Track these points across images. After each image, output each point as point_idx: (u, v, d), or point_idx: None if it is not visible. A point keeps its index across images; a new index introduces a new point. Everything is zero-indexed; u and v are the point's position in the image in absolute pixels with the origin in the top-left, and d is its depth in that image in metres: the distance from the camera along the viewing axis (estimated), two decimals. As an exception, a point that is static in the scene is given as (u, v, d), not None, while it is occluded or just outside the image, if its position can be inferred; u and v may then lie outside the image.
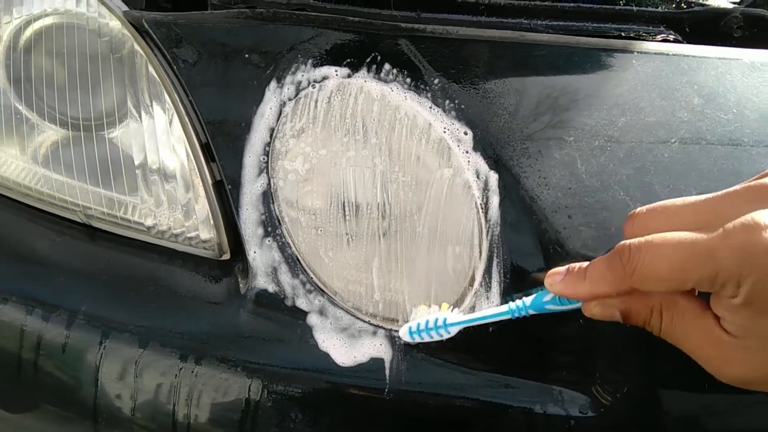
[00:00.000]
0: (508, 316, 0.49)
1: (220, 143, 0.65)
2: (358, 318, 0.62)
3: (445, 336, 0.53)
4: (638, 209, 0.42)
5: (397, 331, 0.61)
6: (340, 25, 0.65)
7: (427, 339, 0.54)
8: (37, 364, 0.65)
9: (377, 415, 0.60)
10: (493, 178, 0.60)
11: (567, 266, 0.44)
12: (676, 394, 0.60)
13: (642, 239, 0.37)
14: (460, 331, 0.54)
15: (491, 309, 0.50)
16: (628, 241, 0.38)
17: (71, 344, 0.64)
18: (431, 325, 0.53)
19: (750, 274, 0.33)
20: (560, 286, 0.43)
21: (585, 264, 0.43)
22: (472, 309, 0.59)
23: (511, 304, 0.49)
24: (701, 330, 0.37)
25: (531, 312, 0.48)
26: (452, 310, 0.54)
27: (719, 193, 0.38)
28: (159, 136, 0.66)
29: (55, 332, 0.64)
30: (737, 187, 0.37)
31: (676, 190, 0.58)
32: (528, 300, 0.48)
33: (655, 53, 0.64)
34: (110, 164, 0.68)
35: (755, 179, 0.37)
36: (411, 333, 0.54)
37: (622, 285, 0.39)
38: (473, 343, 0.59)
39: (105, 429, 0.64)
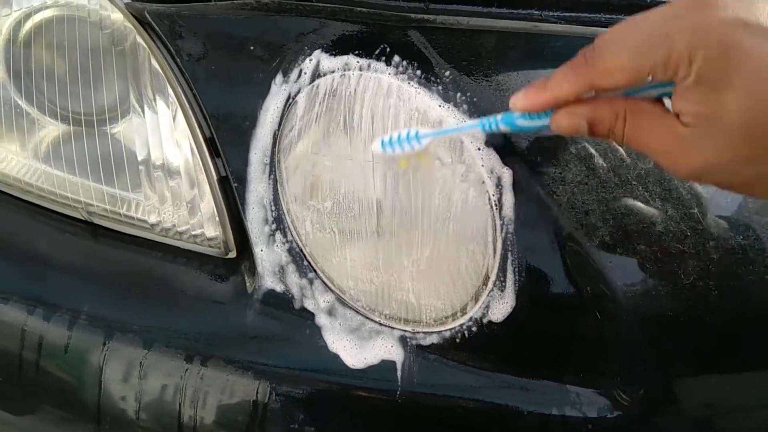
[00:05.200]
0: (479, 128, 0.47)
1: (226, 138, 0.63)
2: (368, 318, 0.60)
3: (416, 147, 0.52)
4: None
5: (409, 332, 0.60)
6: (347, 16, 0.63)
7: (398, 150, 0.52)
8: (39, 364, 0.64)
9: (389, 418, 0.59)
10: (507, 174, 0.58)
11: None
12: (695, 394, 0.58)
13: (605, 35, 0.38)
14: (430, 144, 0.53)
15: (464, 122, 0.49)
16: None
17: (73, 345, 0.63)
18: (403, 137, 0.52)
19: (701, 48, 0.34)
20: (522, 100, 0.43)
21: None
22: (481, 311, 0.58)
23: (483, 118, 0.47)
24: (662, 128, 0.38)
25: (502, 127, 0.46)
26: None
27: None
28: (162, 131, 0.64)
29: (57, 333, 0.63)
30: None
31: (694, 185, 0.57)
32: (500, 115, 0.46)
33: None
34: (113, 160, 0.66)
35: None
36: (383, 144, 0.53)
37: (584, 82, 0.39)
38: (488, 344, 0.58)
39: (108, 431, 0.63)
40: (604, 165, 0.58)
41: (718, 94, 0.34)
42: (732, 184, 0.39)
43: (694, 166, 0.37)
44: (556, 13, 0.67)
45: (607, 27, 0.64)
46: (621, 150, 0.57)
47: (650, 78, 0.37)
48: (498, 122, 0.46)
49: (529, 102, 0.42)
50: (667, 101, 0.39)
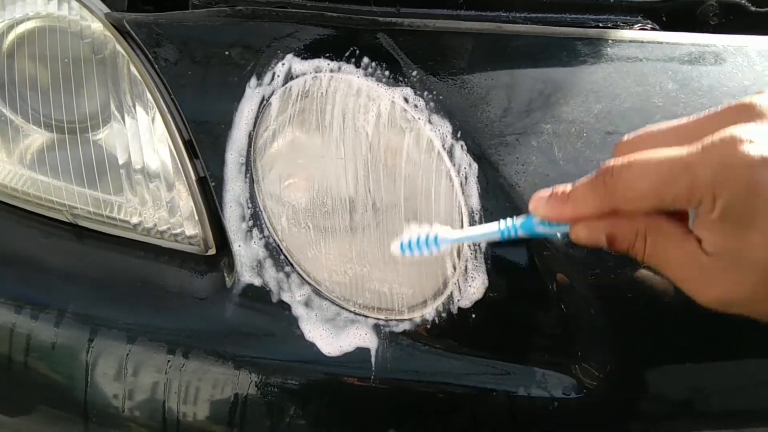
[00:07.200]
0: (497, 236, 0.48)
1: (203, 140, 0.65)
2: (343, 308, 0.62)
3: (435, 252, 0.53)
4: (624, 137, 0.41)
5: (382, 320, 0.62)
6: (319, 21, 0.66)
7: (416, 254, 0.54)
8: (27, 363, 0.65)
9: (364, 403, 0.61)
10: (473, 167, 0.61)
11: (552, 188, 0.42)
12: (658, 375, 0.61)
13: (624, 158, 0.37)
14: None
15: (481, 227, 0.50)
16: (611, 161, 0.37)
17: (60, 343, 0.64)
18: (422, 240, 0.54)
19: (726, 187, 0.32)
20: (544, 209, 0.42)
21: (569, 186, 0.41)
22: (450, 297, 0.60)
23: (501, 223, 0.48)
24: (683, 253, 0.36)
25: (521, 233, 0.47)
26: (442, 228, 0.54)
27: (702, 114, 0.38)
28: (142, 135, 0.66)
29: (45, 331, 0.64)
30: (720, 107, 0.37)
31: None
32: (518, 220, 0.46)
33: (630, 41, 0.65)
34: (95, 165, 0.68)
35: (738, 101, 0.37)
36: (402, 248, 0.54)
37: (605, 205, 0.38)
38: (458, 329, 0.60)
39: (96, 426, 0.64)
40: (564, 156, 0.60)
41: (742, 232, 0.33)
42: (757, 315, 0.37)
43: (716, 297, 0.36)
44: (522, 14, 0.69)
45: (572, 27, 0.67)
46: (579, 143, 0.60)
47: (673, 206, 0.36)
48: (517, 228, 0.46)
49: (550, 213, 0.41)
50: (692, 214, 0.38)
